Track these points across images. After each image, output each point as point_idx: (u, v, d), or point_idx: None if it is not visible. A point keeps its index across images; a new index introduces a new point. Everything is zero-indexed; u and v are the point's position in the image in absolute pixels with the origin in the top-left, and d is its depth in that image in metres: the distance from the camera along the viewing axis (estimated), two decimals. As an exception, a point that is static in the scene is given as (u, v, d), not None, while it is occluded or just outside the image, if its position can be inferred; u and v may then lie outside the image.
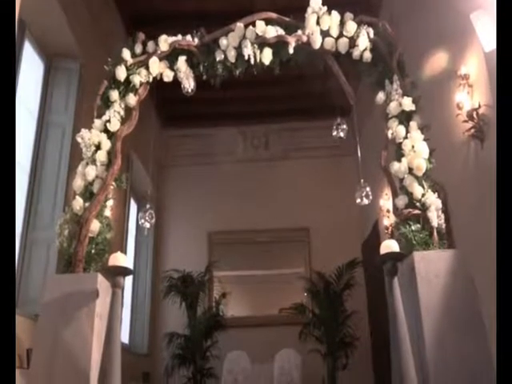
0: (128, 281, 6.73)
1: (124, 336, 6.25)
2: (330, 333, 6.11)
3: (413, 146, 2.83)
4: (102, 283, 2.42)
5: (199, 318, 6.23)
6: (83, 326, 2.31)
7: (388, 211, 6.19)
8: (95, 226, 2.51)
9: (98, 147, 2.65)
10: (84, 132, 2.66)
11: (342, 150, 8.09)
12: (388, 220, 6.19)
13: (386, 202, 6.31)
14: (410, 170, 2.81)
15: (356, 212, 7.79)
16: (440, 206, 2.70)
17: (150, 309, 7.15)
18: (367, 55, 3.06)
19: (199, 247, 7.73)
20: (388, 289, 2.43)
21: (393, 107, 2.97)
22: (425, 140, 2.88)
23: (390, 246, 2.46)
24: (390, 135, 2.96)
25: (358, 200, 3.04)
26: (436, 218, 2.64)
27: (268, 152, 8.49)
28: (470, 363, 2.25)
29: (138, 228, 7.33)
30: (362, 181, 3.10)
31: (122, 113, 2.81)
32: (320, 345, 6.17)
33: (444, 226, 2.69)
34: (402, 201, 2.78)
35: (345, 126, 3.45)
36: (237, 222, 7.83)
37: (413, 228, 2.65)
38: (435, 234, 2.62)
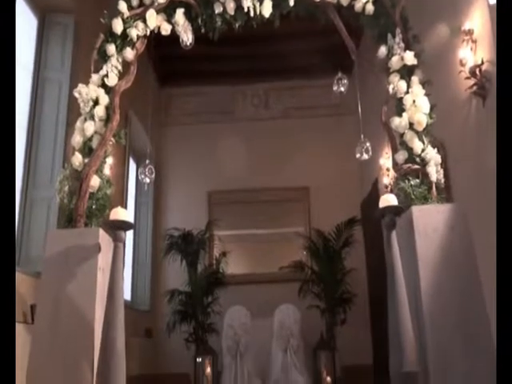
0: (129, 239, 6.80)
1: (126, 293, 6.35)
2: (329, 289, 6.21)
3: (414, 101, 2.82)
4: (104, 238, 2.45)
5: (200, 276, 6.32)
6: (86, 280, 2.34)
7: (388, 170, 6.20)
8: (95, 181, 2.52)
9: (96, 102, 2.63)
10: (81, 87, 2.63)
11: (343, 109, 8.03)
12: (388, 178, 6.21)
13: (386, 160, 6.32)
14: (411, 125, 2.80)
15: (356, 171, 7.81)
16: (439, 160, 2.71)
17: (151, 266, 7.25)
18: (369, 7, 3.00)
19: (199, 206, 7.78)
20: (386, 242, 2.46)
21: (394, 61, 2.93)
22: (426, 95, 2.86)
23: (388, 199, 2.48)
24: (391, 90, 2.94)
25: (358, 155, 3.04)
26: (435, 172, 2.66)
27: (268, 111, 8.42)
28: (466, 314, 2.31)
29: (138, 187, 7.35)
30: (362, 136, 3.09)
31: (120, 67, 2.77)
32: (319, 301, 6.29)
33: (443, 181, 2.71)
34: (401, 156, 2.79)
35: (346, 81, 3.41)
36: (236, 181, 7.85)
37: (412, 183, 2.66)
38: (434, 188, 2.64)
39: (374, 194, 6.73)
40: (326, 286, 6.25)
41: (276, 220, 7.91)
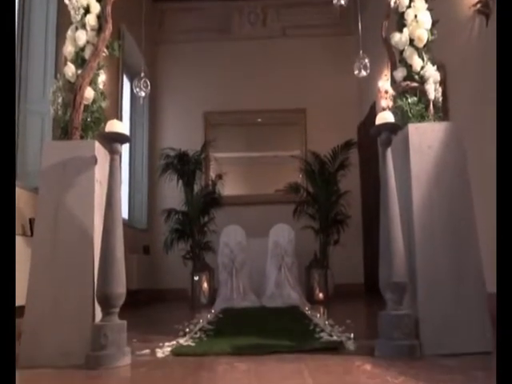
0: (125, 158, 6.82)
1: (123, 212, 6.46)
2: (324, 211, 6.33)
3: (415, 16, 2.74)
4: (100, 150, 2.45)
5: (196, 196, 6.41)
6: (84, 192, 2.36)
7: (386, 92, 6.14)
8: (89, 93, 2.49)
9: (87, 10, 2.54)
10: (70, -8, 2.54)
11: (344, 29, 7.84)
12: (386, 101, 6.16)
13: (384, 82, 6.24)
14: (411, 42, 2.74)
15: (354, 93, 7.73)
16: (438, 78, 2.68)
17: (147, 186, 7.33)
18: None
19: (195, 127, 7.76)
20: (381, 159, 2.49)
21: (398, -27, 2.82)
22: (428, 10, 2.77)
23: (385, 117, 2.48)
24: (392, 4, 2.85)
25: (356, 71, 3.00)
26: (433, 90, 2.64)
27: (265, 29, 8.19)
28: (455, 229, 2.38)
29: (133, 106, 7.28)
30: (361, 52, 3.03)
31: (110, -27, 2.65)
32: (313, 222, 6.43)
33: (441, 99, 2.69)
34: (400, 73, 2.75)
35: (346, -7, 3.29)
36: (233, 102, 7.78)
37: (409, 101, 2.65)
38: (431, 106, 2.62)
39: (372, 116, 6.69)
40: (320, 207, 6.36)
41: (272, 142, 7.93)
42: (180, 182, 6.40)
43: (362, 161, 7.41)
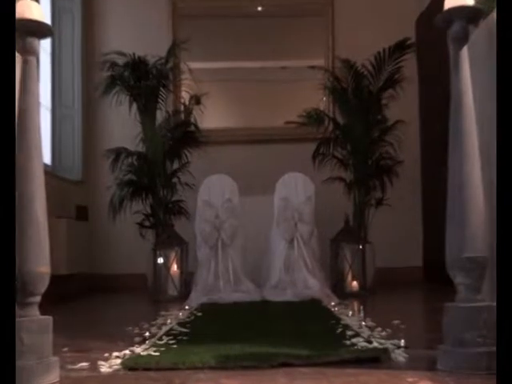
0: (44, 68, 6.75)
1: (44, 154, 6.44)
2: (360, 153, 6.33)
3: None
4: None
5: (160, 128, 6.39)
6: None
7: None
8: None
9: None
10: None
11: None
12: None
13: None
14: None
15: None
16: None
17: (81, 113, 7.25)
18: None
19: (157, 20, 7.65)
20: (452, 65, 2.48)
21: None
22: None
23: (460, -3, 2.46)
24: None
25: None
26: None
27: None
28: None
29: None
30: None
31: None
32: (344, 171, 6.44)
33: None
34: None
35: None
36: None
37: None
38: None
39: (439, 2, 6.61)
40: (355, 147, 6.36)
41: (281, 46, 7.85)
42: (134, 106, 6.37)
43: (422, 73, 7.36)
